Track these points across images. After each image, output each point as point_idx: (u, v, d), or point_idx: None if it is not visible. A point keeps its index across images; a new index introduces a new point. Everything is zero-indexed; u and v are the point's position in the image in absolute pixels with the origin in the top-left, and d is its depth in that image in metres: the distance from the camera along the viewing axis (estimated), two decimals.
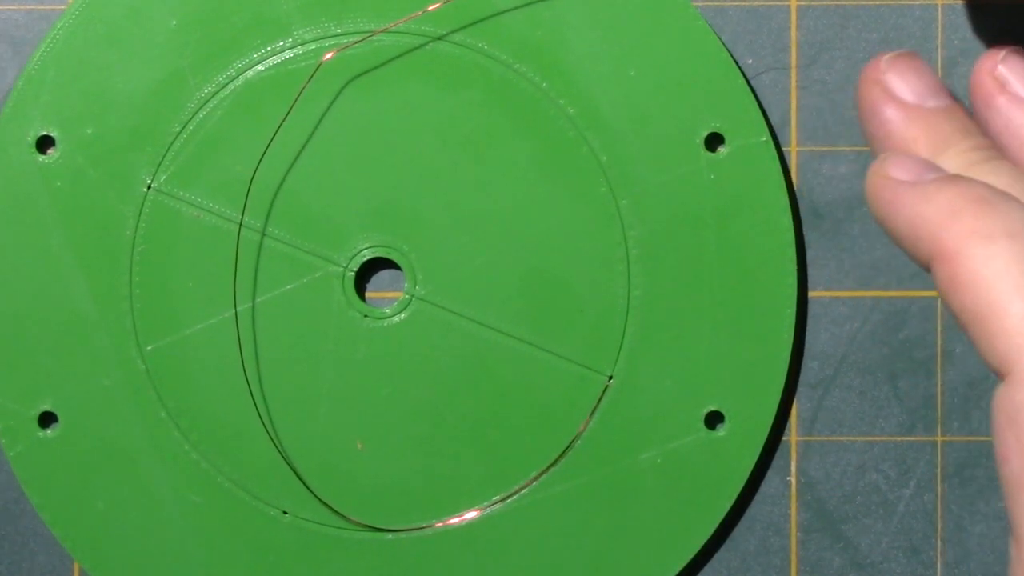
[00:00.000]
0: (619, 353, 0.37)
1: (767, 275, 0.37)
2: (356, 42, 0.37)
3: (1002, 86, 0.32)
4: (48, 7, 0.39)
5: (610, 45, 0.37)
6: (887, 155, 0.33)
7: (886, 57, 0.32)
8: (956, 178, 0.31)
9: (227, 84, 0.37)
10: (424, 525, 0.38)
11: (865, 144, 0.38)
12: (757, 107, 0.37)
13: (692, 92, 0.37)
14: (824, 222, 0.38)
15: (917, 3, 0.38)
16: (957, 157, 0.30)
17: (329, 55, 0.37)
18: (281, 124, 0.37)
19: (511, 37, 0.37)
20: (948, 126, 0.31)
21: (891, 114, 0.32)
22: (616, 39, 0.37)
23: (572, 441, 0.37)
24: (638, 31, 0.37)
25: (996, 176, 0.30)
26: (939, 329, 0.39)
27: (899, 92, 0.32)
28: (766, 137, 0.37)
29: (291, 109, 0.37)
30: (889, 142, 0.32)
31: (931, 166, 0.32)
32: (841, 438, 0.39)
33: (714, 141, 0.37)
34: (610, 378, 0.37)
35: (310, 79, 0.37)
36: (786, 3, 0.38)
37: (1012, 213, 0.29)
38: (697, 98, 0.37)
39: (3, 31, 0.39)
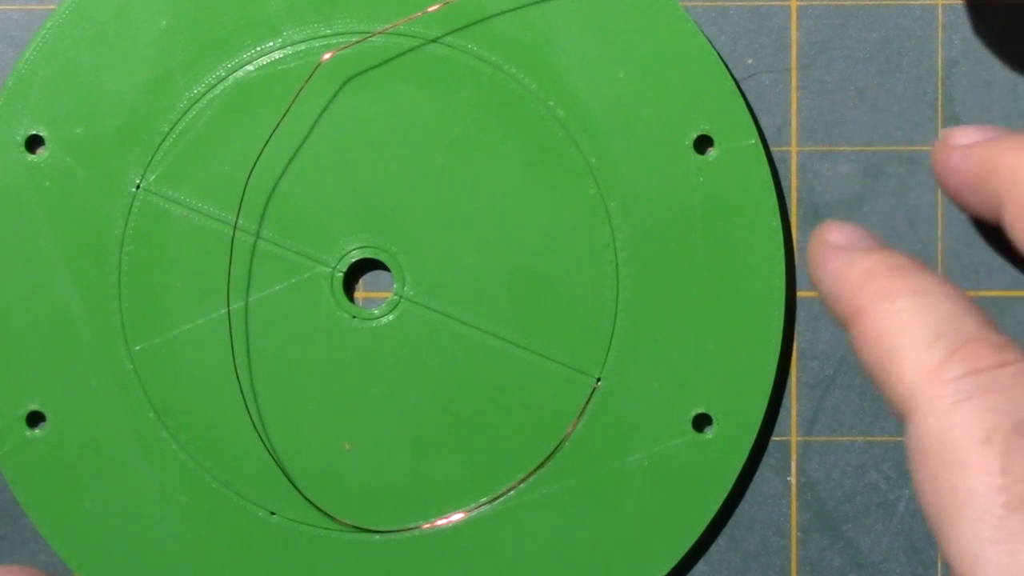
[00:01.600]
0: (607, 355, 0.37)
1: (755, 278, 0.37)
2: (355, 43, 0.37)
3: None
4: (48, 7, 0.39)
5: (600, 47, 0.37)
6: (828, 222, 0.34)
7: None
8: (882, 248, 0.33)
9: (216, 84, 0.37)
10: (412, 526, 0.38)
11: (865, 144, 0.38)
12: (746, 110, 0.37)
13: (681, 94, 0.37)
14: (824, 222, 0.38)
15: (917, 3, 0.38)
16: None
17: (328, 55, 0.37)
18: (278, 125, 0.37)
19: (501, 39, 0.37)
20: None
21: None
22: (606, 41, 0.37)
23: (560, 443, 0.37)
24: (627, 34, 0.37)
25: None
26: None
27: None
28: (755, 140, 0.37)
29: (288, 110, 0.37)
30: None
31: (866, 237, 0.34)
32: (841, 438, 0.39)
33: (703, 143, 0.37)
34: (598, 380, 0.37)
35: (309, 79, 0.37)
36: (786, 3, 0.38)
37: (921, 275, 0.31)
38: (686, 100, 0.37)
39: (3, 31, 0.39)
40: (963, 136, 0.33)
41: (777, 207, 0.37)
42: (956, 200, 0.33)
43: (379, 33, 0.37)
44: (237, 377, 0.37)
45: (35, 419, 0.37)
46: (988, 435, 0.28)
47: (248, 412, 0.37)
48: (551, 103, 0.37)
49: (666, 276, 0.37)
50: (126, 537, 0.37)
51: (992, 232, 0.32)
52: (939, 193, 0.39)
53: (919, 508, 0.28)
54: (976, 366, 0.28)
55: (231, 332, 0.37)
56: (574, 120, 0.37)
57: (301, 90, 0.37)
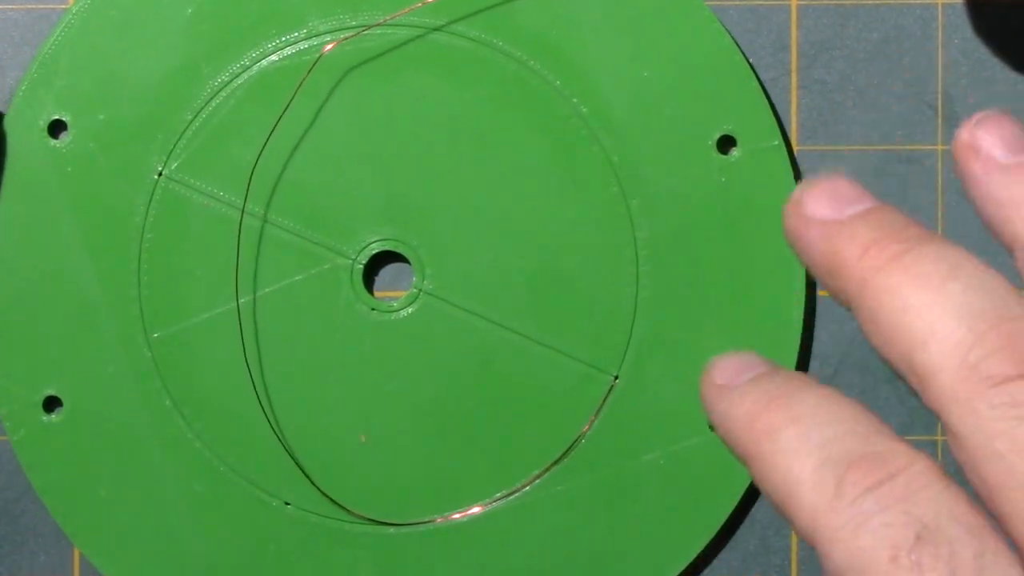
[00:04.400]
0: (625, 353, 0.37)
1: (775, 278, 0.37)
2: (354, 35, 0.37)
3: (976, 152, 0.33)
4: (48, 7, 0.38)
5: (624, 44, 0.37)
6: (717, 359, 0.35)
7: (801, 184, 0.33)
8: (762, 377, 0.34)
9: (241, 74, 0.37)
10: (426, 520, 0.38)
11: (865, 143, 0.38)
12: (770, 110, 0.37)
13: (705, 94, 0.37)
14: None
15: (917, 3, 0.38)
16: (877, 256, 0.31)
17: (330, 46, 0.37)
18: (283, 114, 0.37)
19: (525, 33, 0.37)
20: (865, 231, 0.32)
21: (814, 236, 0.33)
22: (630, 39, 0.37)
23: (576, 440, 0.37)
24: (652, 31, 0.37)
25: (919, 265, 0.30)
26: None
27: (816, 212, 0.33)
28: (778, 141, 0.37)
29: (292, 99, 0.37)
30: (816, 262, 0.33)
31: (751, 364, 0.34)
32: None
33: (726, 144, 0.37)
34: (616, 378, 0.37)
35: (311, 70, 0.37)
36: (786, 3, 0.38)
37: (800, 398, 0.32)
38: (710, 100, 0.37)
39: (3, 31, 0.38)
40: (816, 205, 0.33)
41: None
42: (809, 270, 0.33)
43: (385, 22, 0.37)
44: (247, 367, 0.37)
45: (51, 404, 0.37)
46: (894, 553, 0.28)
47: (260, 402, 0.37)
48: (574, 100, 0.37)
49: (686, 275, 0.37)
50: (140, 524, 0.37)
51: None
52: (939, 193, 0.39)
53: None
54: (867, 485, 0.28)
55: (240, 322, 0.37)
56: (597, 117, 0.37)
57: (303, 81, 0.37)
